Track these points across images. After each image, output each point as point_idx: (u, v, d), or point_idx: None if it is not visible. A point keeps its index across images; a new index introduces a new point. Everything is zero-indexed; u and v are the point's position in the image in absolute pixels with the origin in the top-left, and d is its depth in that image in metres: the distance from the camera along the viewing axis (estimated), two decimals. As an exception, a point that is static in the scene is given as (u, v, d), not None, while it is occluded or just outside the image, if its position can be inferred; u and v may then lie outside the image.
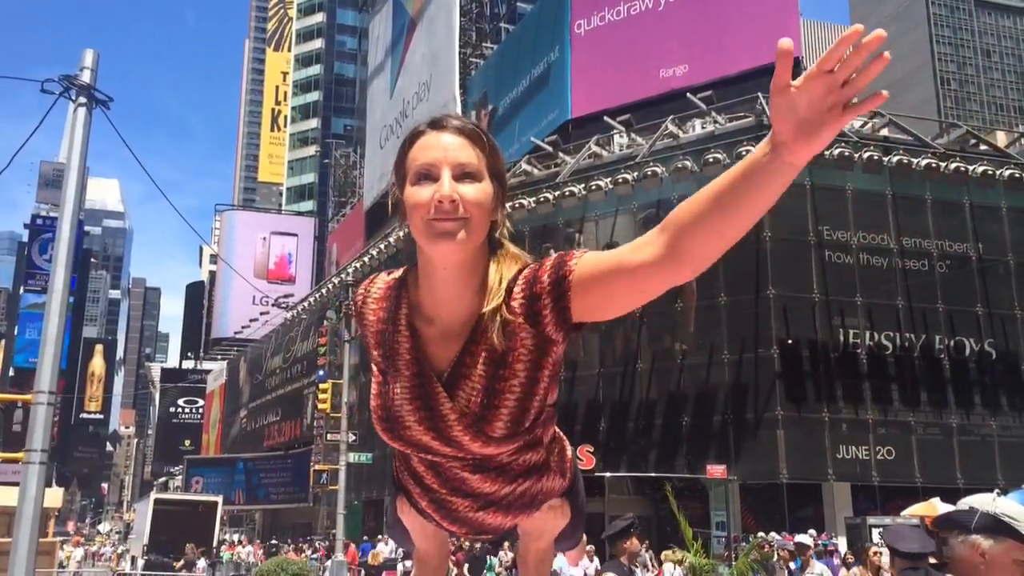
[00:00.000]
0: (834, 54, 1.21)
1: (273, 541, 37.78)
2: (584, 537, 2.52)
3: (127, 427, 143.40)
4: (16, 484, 9.56)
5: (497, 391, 1.60)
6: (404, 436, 1.69)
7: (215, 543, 27.97)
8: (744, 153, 18.72)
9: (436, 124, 1.56)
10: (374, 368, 1.74)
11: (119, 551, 37.52)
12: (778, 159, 1.30)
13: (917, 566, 4.27)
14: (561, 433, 1.95)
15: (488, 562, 19.07)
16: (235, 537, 43.30)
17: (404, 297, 1.70)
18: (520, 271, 1.59)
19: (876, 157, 22.67)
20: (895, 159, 22.78)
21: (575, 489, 2.02)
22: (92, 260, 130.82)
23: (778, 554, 14.60)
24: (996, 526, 2.04)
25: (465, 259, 1.55)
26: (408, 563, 18.13)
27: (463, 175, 1.51)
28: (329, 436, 34.36)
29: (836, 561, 16.65)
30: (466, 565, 18.63)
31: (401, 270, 1.76)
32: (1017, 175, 23.27)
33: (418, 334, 1.67)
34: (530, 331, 1.56)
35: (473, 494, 1.78)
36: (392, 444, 1.75)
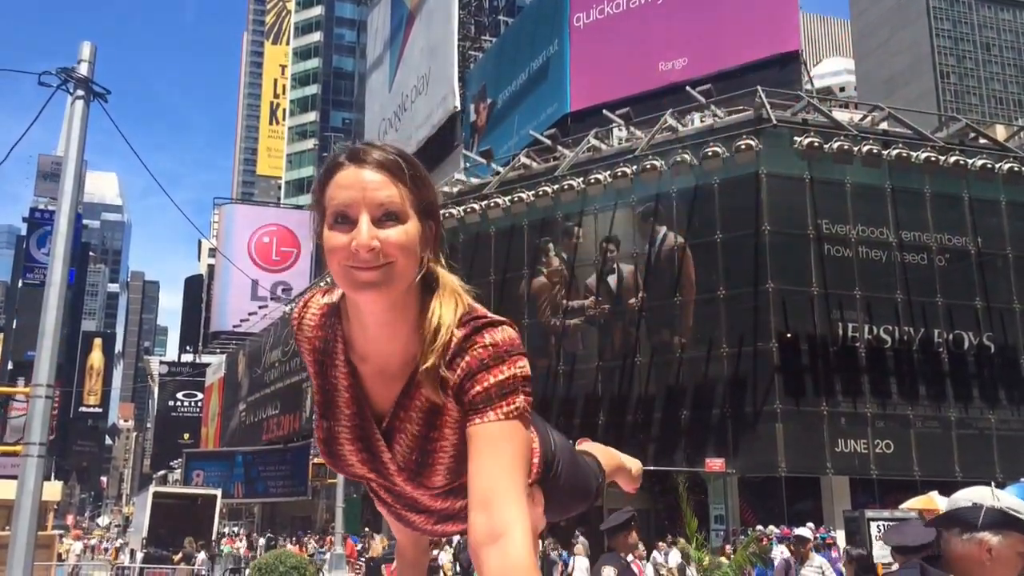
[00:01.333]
0: None
1: (268, 535, 37.83)
2: (635, 464, 2.67)
3: (126, 421, 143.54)
4: (15, 477, 9.57)
5: (429, 451, 1.52)
6: (348, 472, 1.63)
7: (214, 536, 28.00)
8: (744, 147, 18.56)
9: (355, 157, 1.39)
10: (315, 396, 1.63)
11: (117, 545, 37.56)
12: None
13: (910, 559, 4.27)
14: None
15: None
16: (234, 530, 43.40)
17: (339, 328, 1.57)
18: (464, 318, 1.46)
19: (875, 151, 22.63)
20: (894, 153, 22.75)
21: (550, 472, 1.91)
22: (91, 254, 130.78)
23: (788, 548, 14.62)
24: (1003, 520, 2.03)
25: (393, 303, 1.43)
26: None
27: (384, 216, 1.37)
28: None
29: (835, 554, 16.70)
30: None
31: (337, 293, 1.61)
32: (1016, 169, 23.25)
33: (356, 372, 1.56)
34: (455, 405, 1.48)
35: (427, 511, 1.72)
36: (340, 474, 1.70)
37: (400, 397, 1.52)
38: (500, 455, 1.37)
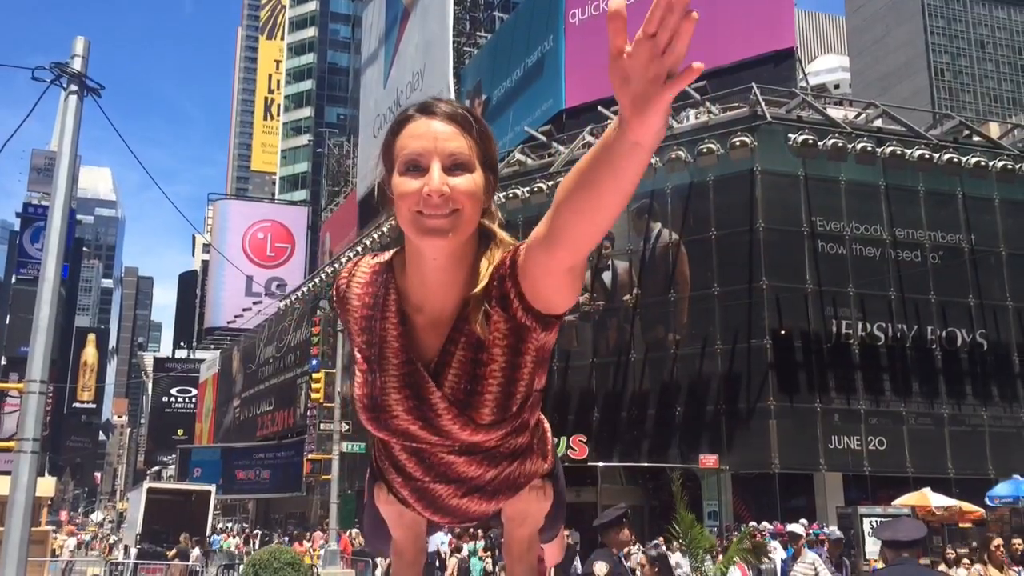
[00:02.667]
0: (655, 15, 1.12)
1: (256, 531, 37.86)
2: (563, 532, 2.46)
3: (120, 416, 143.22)
4: (8, 473, 9.55)
5: (479, 376, 1.59)
6: (391, 425, 1.66)
7: (208, 531, 27.98)
8: (738, 144, 18.56)
9: (426, 109, 1.49)
10: (357, 356, 1.68)
11: (110, 541, 37.51)
12: (623, 137, 1.20)
13: (900, 554, 4.30)
14: (542, 415, 1.92)
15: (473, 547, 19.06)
16: (228, 526, 43.39)
17: (391, 283, 1.65)
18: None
19: (869, 148, 22.68)
20: (888, 150, 22.79)
21: (556, 473, 1.98)
22: (84, 249, 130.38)
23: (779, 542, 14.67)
24: None
25: (455, 251, 1.51)
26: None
27: (453, 165, 1.44)
28: (322, 426, 34.38)
29: (825, 549, 16.72)
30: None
31: (388, 254, 1.70)
32: (1010, 166, 23.31)
33: (408, 322, 1.63)
34: (502, 315, 1.55)
35: (458, 479, 1.76)
36: (377, 434, 1.72)
37: (448, 337, 1.60)
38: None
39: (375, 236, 32.23)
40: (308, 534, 30.75)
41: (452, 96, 41.07)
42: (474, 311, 1.54)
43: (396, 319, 1.63)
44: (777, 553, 15.47)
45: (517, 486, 1.84)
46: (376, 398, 1.65)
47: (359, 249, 33.97)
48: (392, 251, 1.70)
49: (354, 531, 26.79)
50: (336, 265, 37.26)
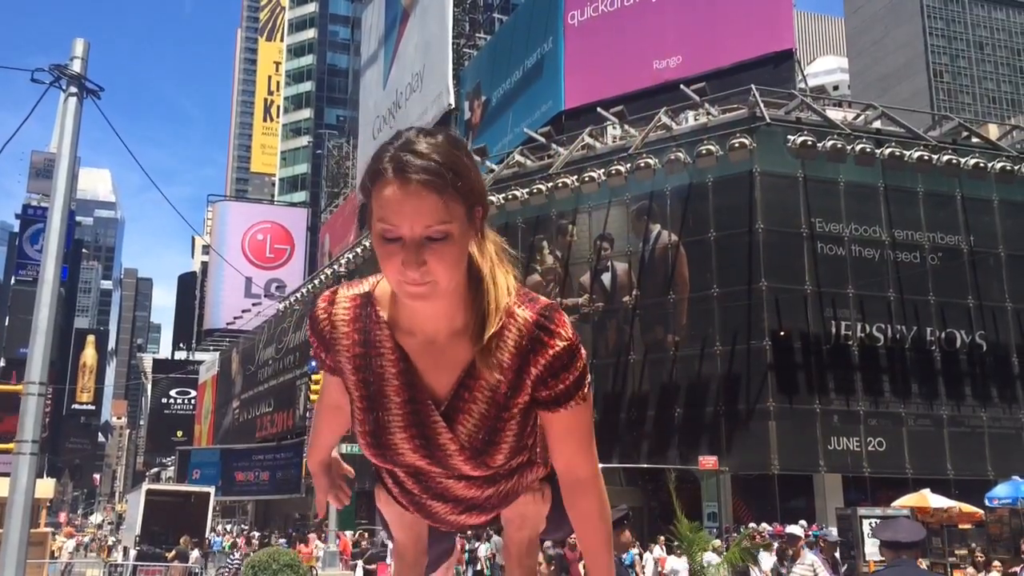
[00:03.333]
0: None
1: (254, 532, 37.79)
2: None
3: (119, 418, 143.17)
4: (7, 475, 9.54)
5: (498, 429, 1.59)
6: (397, 460, 1.65)
7: (207, 532, 27.96)
8: (737, 145, 18.54)
9: (400, 168, 1.38)
10: (353, 392, 1.64)
11: (109, 543, 37.47)
12: None
13: (899, 555, 4.30)
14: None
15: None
16: (227, 528, 43.33)
17: (378, 317, 1.58)
18: (522, 298, 1.55)
19: (868, 149, 22.69)
20: (887, 151, 22.80)
21: (554, 475, 1.98)
22: (84, 251, 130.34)
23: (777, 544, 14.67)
24: None
25: (440, 298, 1.48)
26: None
27: (429, 238, 1.39)
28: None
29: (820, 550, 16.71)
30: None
31: (366, 284, 1.63)
32: (1008, 167, 23.32)
33: (406, 357, 1.58)
34: (520, 385, 1.57)
35: (455, 499, 1.75)
36: (382, 466, 1.70)
37: (463, 378, 1.57)
38: (580, 433, 1.62)
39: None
40: (306, 536, 30.73)
41: (451, 98, 41.18)
42: (487, 363, 1.52)
43: (394, 355, 1.58)
44: (764, 563, 15.44)
45: (515, 497, 1.84)
46: (379, 436, 1.62)
47: (358, 251, 33.94)
48: (369, 281, 1.64)
49: (350, 533, 26.82)
50: (336, 267, 37.23)
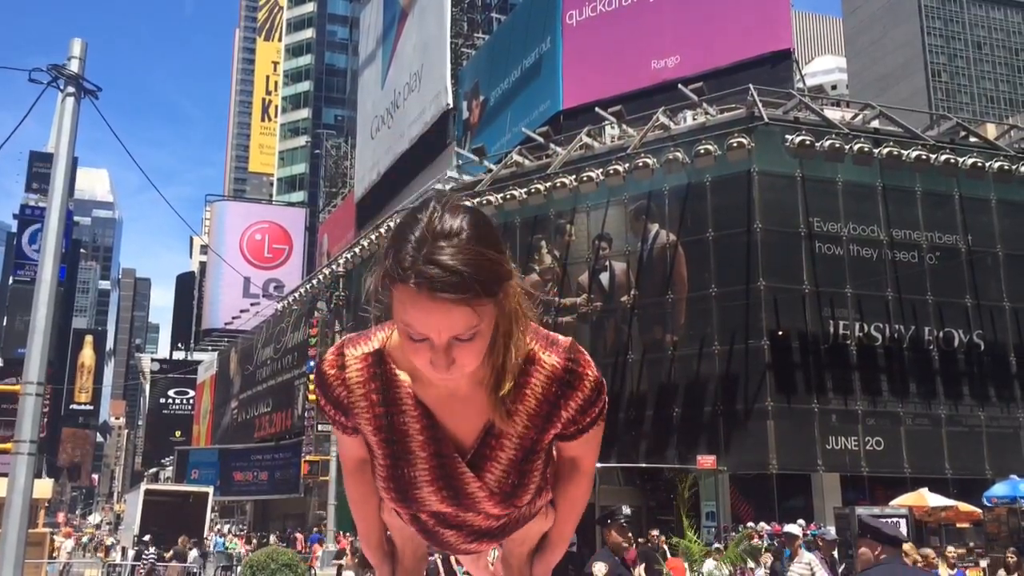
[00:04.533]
0: None
1: (247, 532, 37.81)
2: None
3: (117, 418, 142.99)
4: (5, 475, 9.54)
5: (527, 471, 1.60)
6: (422, 510, 1.65)
7: (205, 531, 27.96)
8: (736, 145, 18.54)
9: (424, 285, 1.28)
10: (376, 450, 1.61)
11: (108, 543, 37.46)
12: None
13: (875, 546, 4.31)
14: None
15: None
16: (226, 527, 43.34)
17: (393, 372, 1.54)
18: (544, 342, 1.53)
19: (866, 149, 22.69)
20: (885, 151, 22.80)
21: None
22: (82, 251, 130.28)
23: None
24: None
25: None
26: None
27: (457, 339, 1.35)
28: (320, 427, 34.42)
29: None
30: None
31: (375, 340, 1.56)
32: (1006, 167, 23.32)
33: (429, 412, 1.55)
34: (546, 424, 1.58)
35: (469, 529, 1.74)
36: (405, 512, 1.70)
37: (489, 426, 1.56)
38: (595, 443, 1.67)
39: (372, 237, 32.20)
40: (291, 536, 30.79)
41: (449, 98, 41.13)
42: (503, 423, 1.53)
43: (416, 412, 1.55)
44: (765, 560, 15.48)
45: (526, 522, 1.83)
46: (406, 491, 1.61)
47: (356, 250, 33.87)
48: (377, 337, 1.56)
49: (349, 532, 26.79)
50: (334, 266, 37.22)
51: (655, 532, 17.50)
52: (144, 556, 21.73)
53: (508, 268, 1.39)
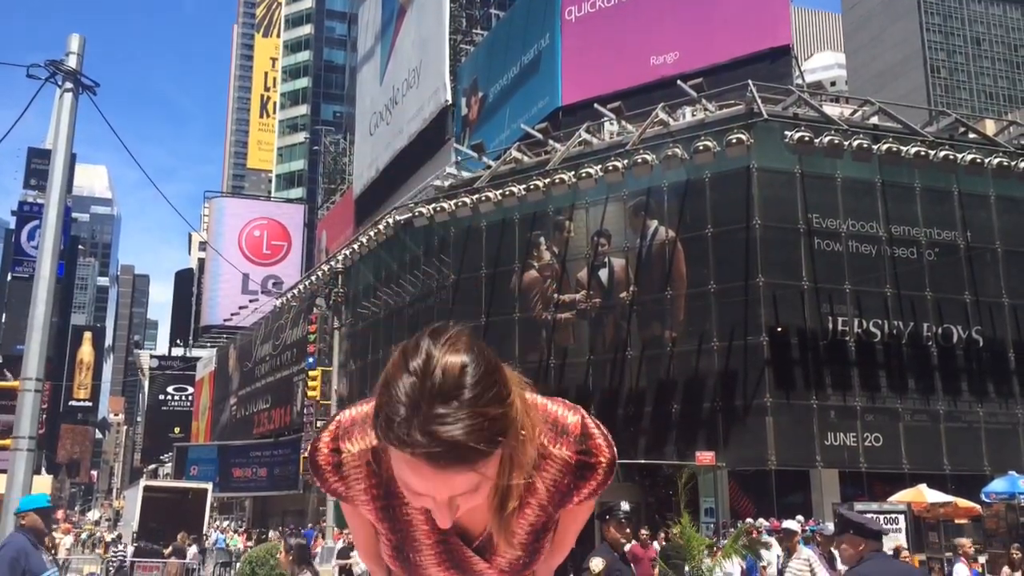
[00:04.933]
0: None
1: (247, 528, 37.82)
2: None
3: (116, 414, 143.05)
4: (3, 471, 9.54)
5: (538, 549, 1.58)
6: None
7: (205, 528, 27.97)
8: (735, 141, 18.54)
9: (429, 455, 1.19)
10: (381, 533, 1.58)
11: (108, 539, 37.49)
12: None
13: (856, 540, 4.33)
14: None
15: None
16: (225, 524, 43.35)
17: (391, 469, 1.43)
18: (561, 431, 1.50)
19: (865, 145, 22.68)
20: (884, 147, 22.80)
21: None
22: (80, 247, 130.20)
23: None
24: None
25: None
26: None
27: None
28: (319, 423, 34.37)
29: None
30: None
31: (366, 439, 1.45)
32: (1005, 163, 23.32)
33: None
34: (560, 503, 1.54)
35: (467, 570, 1.69)
36: None
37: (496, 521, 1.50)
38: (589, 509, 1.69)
39: (371, 234, 32.18)
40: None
41: (448, 94, 41.07)
42: (506, 544, 1.51)
43: (419, 505, 1.47)
44: (774, 550, 15.46)
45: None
46: (412, 569, 1.59)
47: (355, 247, 33.79)
48: (368, 435, 1.44)
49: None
50: (333, 263, 37.20)
51: (675, 531, 17.45)
52: (115, 553, 21.57)
53: (512, 414, 1.27)
